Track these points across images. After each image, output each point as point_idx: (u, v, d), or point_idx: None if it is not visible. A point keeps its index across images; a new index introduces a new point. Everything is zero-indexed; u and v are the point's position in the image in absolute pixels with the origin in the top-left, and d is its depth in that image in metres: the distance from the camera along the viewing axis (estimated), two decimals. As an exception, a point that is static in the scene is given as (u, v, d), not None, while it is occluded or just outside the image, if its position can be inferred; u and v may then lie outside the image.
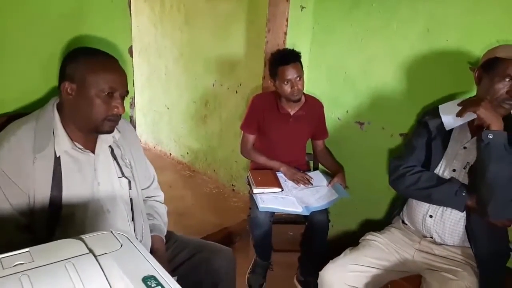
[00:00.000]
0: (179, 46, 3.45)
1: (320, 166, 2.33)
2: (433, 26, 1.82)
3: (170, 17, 3.49)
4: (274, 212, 1.95)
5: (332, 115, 2.33)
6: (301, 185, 2.03)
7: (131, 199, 1.30)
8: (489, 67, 1.41)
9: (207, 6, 3.09)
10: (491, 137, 1.31)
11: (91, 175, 1.20)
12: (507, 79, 1.36)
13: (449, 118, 1.51)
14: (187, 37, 3.36)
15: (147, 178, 1.50)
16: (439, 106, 1.56)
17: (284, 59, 1.92)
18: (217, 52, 3.08)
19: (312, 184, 2.04)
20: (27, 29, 1.27)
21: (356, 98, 2.21)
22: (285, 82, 1.93)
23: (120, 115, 1.21)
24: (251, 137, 2.17)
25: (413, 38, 1.89)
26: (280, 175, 2.10)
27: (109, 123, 1.19)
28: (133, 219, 1.30)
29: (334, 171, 2.14)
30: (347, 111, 2.27)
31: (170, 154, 3.88)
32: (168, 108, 3.76)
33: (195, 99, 3.39)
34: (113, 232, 0.76)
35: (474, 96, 1.51)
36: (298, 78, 1.93)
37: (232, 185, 3.22)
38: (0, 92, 1.25)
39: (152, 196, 1.52)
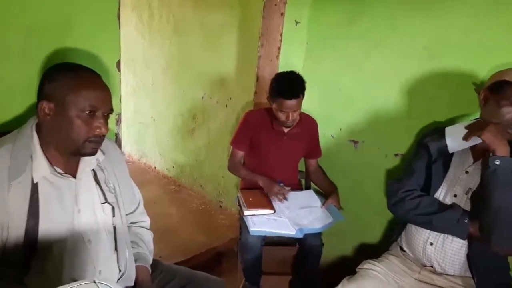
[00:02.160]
0: (167, 57, 3.36)
1: (312, 185, 2.25)
2: (433, 44, 1.77)
3: (158, 27, 3.40)
4: (265, 235, 1.86)
5: (325, 133, 2.26)
6: (277, 200, 1.96)
7: (114, 227, 1.19)
8: (496, 89, 1.36)
9: (197, 17, 3.02)
10: (498, 163, 1.26)
11: (71, 202, 1.10)
12: None
13: (454, 141, 1.45)
14: (176, 48, 3.27)
15: (132, 202, 1.39)
16: (446, 128, 1.50)
17: (287, 94, 1.81)
18: (207, 64, 3.00)
19: (286, 200, 1.95)
20: (12, 41, 1.17)
21: (350, 116, 2.15)
22: (281, 111, 1.86)
23: (104, 136, 1.11)
24: (240, 154, 2.09)
25: (411, 56, 1.85)
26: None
27: (91, 145, 1.08)
28: (116, 249, 1.19)
29: (327, 192, 2.07)
30: (340, 129, 2.21)
31: (155, 167, 3.75)
32: (154, 120, 3.65)
33: (183, 111, 3.29)
34: (96, 282, 0.66)
35: (479, 118, 1.46)
36: (295, 111, 1.87)
37: (220, 201, 3.11)
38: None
39: (137, 222, 1.41)
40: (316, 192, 2.14)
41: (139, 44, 3.63)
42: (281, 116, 1.87)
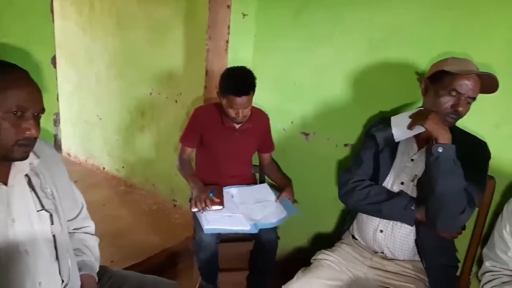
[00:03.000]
0: (111, 52, 3.20)
1: (267, 179, 2.24)
2: (377, 35, 1.81)
3: (100, 21, 3.23)
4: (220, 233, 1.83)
5: (277, 126, 2.26)
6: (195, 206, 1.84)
7: (54, 236, 1.10)
8: (436, 79, 1.41)
9: (141, 10, 2.90)
10: (440, 150, 1.30)
11: (4, 211, 1.00)
12: (453, 93, 1.36)
13: (399, 130, 1.49)
14: (120, 43, 3.12)
15: (74, 207, 1.30)
16: (391, 118, 1.54)
17: (237, 91, 1.77)
18: (154, 59, 2.89)
19: (208, 209, 1.81)
20: None
21: (301, 108, 2.16)
22: (232, 108, 1.82)
23: (35, 138, 1.02)
24: (189, 150, 2.04)
25: (357, 48, 1.88)
26: (226, 190, 1.98)
27: (21, 149, 0.99)
28: (57, 258, 1.11)
29: (282, 185, 2.07)
30: (292, 122, 2.21)
31: (104, 168, 3.59)
32: (100, 119, 3.48)
33: (131, 108, 3.16)
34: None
35: (422, 107, 1.51)
36: (245, 107, 1.84)
37: (173, 200, 3.03)
38: None
39: (81, 228, 1.33)
40: (271, 186, 2.14)
41: (80, 39, 3.44)
42: (231, 113, 1.84)
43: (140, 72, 3.02)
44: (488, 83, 1.36)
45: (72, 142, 3.83)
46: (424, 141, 1.49)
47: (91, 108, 3.53)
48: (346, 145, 2.02)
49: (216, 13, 2.16)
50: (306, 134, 2.17)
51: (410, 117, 1.41)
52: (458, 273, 1.61)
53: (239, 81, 1.79)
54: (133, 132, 3.21)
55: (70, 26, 3.47)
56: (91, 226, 1.37)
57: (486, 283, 1.34)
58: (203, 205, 1.80)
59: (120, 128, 3.32)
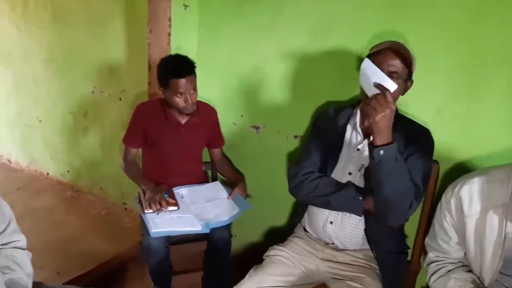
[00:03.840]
0: (48, 49, 2.99)
1: (220, 176, 2.18)
2: (320, 24, 1.79)
3: (35, 17, 3.00)
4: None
5: (227, 120, 2.20)
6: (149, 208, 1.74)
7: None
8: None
9: (80, 3, 2.72)
10: (382, 153, 1.27)
11: None
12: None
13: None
14: (57, 38, 2.92)
15: (1, 221, 1.18)
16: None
17: (178, 72, 1.70)
18: (95, 55, 2.73)
19: (164, 210, 1.73)
20: None
21: (250, 101, 2.11)
22: (178, 95, 1.74)
23: None
24: (133, 151, 1.95)
25: (300, 38, 1.85)
26: (177, 191, 1.90)
27: None
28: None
29: (234, 181, 2.01)
30: (241, 116, 2.16)
31: (48, 173, 3.37)
32: (40, 121, 3.26)
33: (72, 109, 2.98)
34: None
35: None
36: (192, 91, 1.76)
37: (124, 203, 2.90)
38: None
39: (9, 243, 1.21)
40: (224, 182, 2.08)
41: (15, 36, 3.19)
42: (179, 102, 1.75)
43: (80, 69, 2.84)
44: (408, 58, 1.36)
45: (11, 148, 3.57)
46: (369, 131, 1.48)
47: (30, 110, 3.30)
48: (296, 137, 1.99)
49: (156, 5, 2.05)
50: (257, 128, 2.12)
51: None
52: (409, 258, 1.63)
53: (178, 62, 1.73)
54: (77, 134, 3.03)
55: (3, 23, 3.23)
56: (21, 240, 1.25)
57: (432, 274, 1.34)
58: (158, 206, 1.72)
59: (63, 130, 3.12)
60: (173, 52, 2.06)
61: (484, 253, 1.20)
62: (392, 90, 1.24)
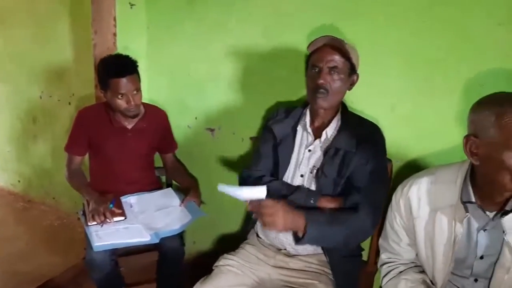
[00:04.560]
0: (-8, 53, 2.83)
1: (174, 182, 2.09)
2: (271, 23, 1.74)
3: (-25, 18, 2.83)
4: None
5: (181, 123, 2.12)
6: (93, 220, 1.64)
7: None
8: (306, 61, 1.43)
9: (22, 4, 2.58)
10: (307, 239, 1.28)
11: None
12: (315, 69, 1.36)
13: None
14: (1, 42, 2.76)
15: None
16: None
17: (117, 71, 1.61)
18: (41, 58, 2.58)
19: (109, 221, 1.63)
20: None
21: (204, 102, 2.03)
22: (119, 96, 1.64)
23: None
24: (77, 159, 1.84)
25: (251, 36, 1.79)
26: (125, 200, 1.80)
27: None
28: None
29: (187, 187, 1.92)
30: (196, 118, 2.08)
31: (-3, 184, 3.19)
32: (-14, 129, 3.07)
33: (20, 115, 2.82)
34: None
35: None
36: (135, 92, 1.66)
37: (77, 213, 2.74)
38: None
39: None
40: (178, 189, 1.99)
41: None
42: (121, 104, 1.65)
43: (27, 73, 2.70)
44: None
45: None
46: (320, 130, 1.44)
47: (-25, 117, 3.11)
48: (251, 138, 1.93)
49: (99, 4, 1.95)
50: (212, 130, 2.05)
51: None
52: (366, 259, 1.60)
53: (117, 61, 1.65)
54: (26, 142, 2.87)
55: None
56: None
57: (384, 275, 1.31)
58: (102, 218, 1.61)
59: (11, 138, 2.95)
60: (120, 52, 1.97)
61: (435, 254, 1.18)
62: (264, 197, 1.25)
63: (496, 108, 0.95)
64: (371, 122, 1.47)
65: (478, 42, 1.36)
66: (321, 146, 1.43)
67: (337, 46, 1.33)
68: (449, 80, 1.44)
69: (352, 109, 1.55)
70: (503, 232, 1.04)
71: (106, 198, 1.71)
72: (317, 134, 1.45)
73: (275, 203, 1.24)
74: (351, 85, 1.41)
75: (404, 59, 1.50)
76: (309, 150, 1.45)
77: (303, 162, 1.45)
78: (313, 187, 1.43)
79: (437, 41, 1.43)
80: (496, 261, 1.08)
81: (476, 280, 1.14)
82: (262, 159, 1.52)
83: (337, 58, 1.33)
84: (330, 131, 1.42)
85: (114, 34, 1.98)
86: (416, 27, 1.45)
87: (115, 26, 1.97)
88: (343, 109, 1.47)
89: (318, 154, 1.43)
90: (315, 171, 1.43)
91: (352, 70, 1.38)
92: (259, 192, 1.25)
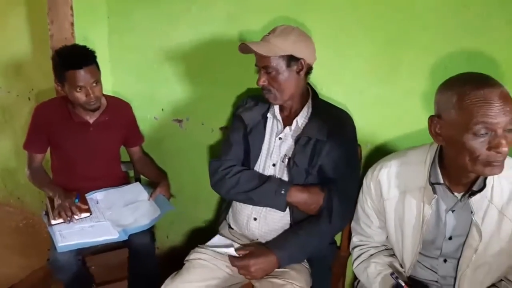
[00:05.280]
0: None
1: (142, 176, 2.03)
2: (235, 9, 1.67)
3: None
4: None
5: (148, 116, 2.05)
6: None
7: None
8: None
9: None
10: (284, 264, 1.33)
11: None
12: (257, 69, 1.37)
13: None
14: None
15: None
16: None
17: (74, 62, 1.53)
18: (-4, 50, 2.45)
19: (74, 220, 1.57)
20: None
21: (170, 93, 1.96)
22: (78, 89, 1.56)
23: None
24: (38, 157, 1.76)
25: (216, 23, 1.73)
26: (90, 197, 1.73)
27: None
28: None
29: (156, 181, 1.87)
30: (163, 109, 2.02)
31: (-41, 186, 3.03)
32: None
33: (-22, 113, 2.67)
34: None
35: None
36: (94, 84, 1.58)
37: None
38: None
39: None
40: (147, 183, 1.93)
41: None
42: (80, 97, 1.57)
43: (-19, 67, 2.54)
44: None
45: None
46: (290, 119, 1.41)
47: None
48: (221, 128, 1.88)
49: (54, -8, 1.85)
50: (180, 121, 1.99)
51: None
52: (338, 243, 1.60)
53: (74, 52, 1.57)
54: (-14, 140, 2.73)
55: None
56: None
57: (356, 258, 1.31)
58: (70, 213, 1.55)
59: (-31, 137, 2.80)
60: (78, 43, 1.88)
61: (404, 236, 1.18)
62: (233, 254, 1.32)
63: (458, 89, 0.95)
64: (341, 109, 1.46)
65: (443, 24, 1.34)
66: (292, 134, 1.41)
67: (253, 50, 1.30)
68: (415, 63, 1.42)
69: (321, 96, 1.52)
70: (471, 212, 1.05)
71: (71, 193, 1.64)
72: (288, 122, 1.43)
73: (243, 258, 1.31)
74: (299, 72, 1.34)
75: (370, 43, 1.48)
76: (280, 138, 1.43)
77: (275, 151, 1.43)
78: (285, 177, 1.41)
79: (403, 25, 1.41)
80: (465, 241, 1.09)
81: (445, 261, 1.16)
82: (232, 148, 1.49)
83: (264, 58, 1.30)
84: (300, 120, 1.40)
85: (72, 24, 1.88)
86: (382, 12, 1.42)
87: (72, 15, 1.87)
88: (313, 96, 1.44)
89: (289, 142, 1.41)
90: (286, 160, 1.40)
91: (290, 59, 1.31)
92: (229, 251, 1.34)
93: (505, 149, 0.90)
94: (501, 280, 1.13)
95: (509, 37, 1.24)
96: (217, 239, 1.47)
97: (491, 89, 0.91)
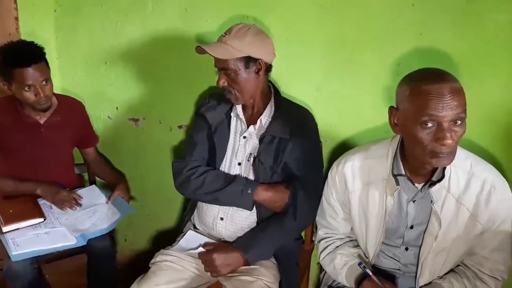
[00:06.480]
0: None
1: (98, 179, 1.94)
2: (191, 5, 1.64)
3: None
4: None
5: (101, 115, 1.97)
6: (68, 208, 1.61)
7: None
8: None
9: None
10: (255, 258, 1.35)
11: None
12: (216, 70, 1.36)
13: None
14: None
15: None
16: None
17: (21, 59, 1.44)
18: None
19: (80, 205, 1.63)
20: None
21: (125, 91, 1.90)
22: (26, 88, 1.47)
23: None
24: None
25: (172, 19, 1.69)
26: (43, 202, 1.64)
27: None
28: None
29: (114, 183, 1.80)
30: (117, 108, 1.95)
31: None
32: None
33: None
34: None
35: None
36: (44, 82, 1.50)
37: None
38: None
39: None
40: (103, 186, 1.85)
41: None
42: (29, 96, 1.49)
43: None
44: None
45: None
46: (255, 118, 1.42)
47: None
48: (180, 127, 1.84)
49: (-6, -16, 1.72)
50: (135, 120, 1.93)
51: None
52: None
53: (21, 48, 1.49)
54: None
55: None
56: None
57: (321, 251, 1.35)
58: (74, 201, 1.62)
59: None
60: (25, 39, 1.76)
61: (368, 226, 1.23)
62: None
63: (413, 83, 1.01)
64: (303, 108, 1.48)
65: (394, 22, 1.40)
66: (257, 133, 1.41)
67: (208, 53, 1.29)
68: (370, 59, 1.46)
69: (281, 93, 1.54)
70: (431, 202, 1.11)
71: (56, 183, 1.67)
72: (251, 121, 1.43)
73: (208, 252, 1.33)
74: (259, 72, 1.33)
75: (327, 40, 1.51)
76: (244, 137, 1.43)
77: (240, 150, 1.43)
78: (251, 176, 1.41)
79: (357, 23, 1.46)
80: (425, 230, 1.16)
81: (407, 249, 1.22)
82: (196, 147, 1.47)
83: (222, 61, 1.30)
84: (264, 119, 1.41)
85: (16, 19, 1.77)
86: (338, 9, 1.46)
87: (16, 9, 1.77)
88: (276, 95, 1.45)
89: (254, 141, 1.42)
90: (252, 158, 1.41)
91: (249, 60, 1.30)
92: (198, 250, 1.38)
93: (449, 141, 0.95)
94: (458, 265, 1.21)
95: (455, 33, 1.30)
96: (189, 236, 1.45)
97: (443, 84, 0.96)
